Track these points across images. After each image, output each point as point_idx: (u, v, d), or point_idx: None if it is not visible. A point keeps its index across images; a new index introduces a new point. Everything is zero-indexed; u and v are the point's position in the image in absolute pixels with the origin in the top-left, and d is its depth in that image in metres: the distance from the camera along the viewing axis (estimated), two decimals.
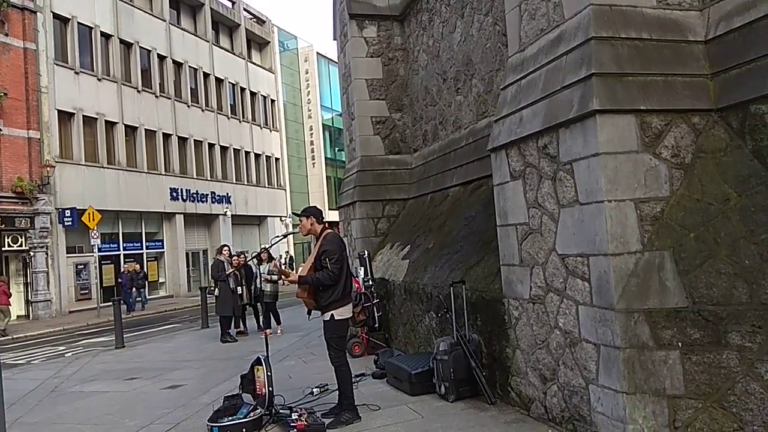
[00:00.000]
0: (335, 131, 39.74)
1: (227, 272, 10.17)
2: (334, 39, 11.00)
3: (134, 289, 19.76)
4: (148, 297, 21.40)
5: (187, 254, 25.82)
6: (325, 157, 38.59)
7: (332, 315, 4.72)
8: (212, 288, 10.70)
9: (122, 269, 20.76)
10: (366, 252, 7.60)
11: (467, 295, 5.14)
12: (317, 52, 38.71)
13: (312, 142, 38.17)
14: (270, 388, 4.84)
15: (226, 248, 10.92)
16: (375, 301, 6.94)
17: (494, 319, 4.84)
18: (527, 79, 4.37)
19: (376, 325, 6.95)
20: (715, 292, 3.34)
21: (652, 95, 3.61)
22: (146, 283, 21.60)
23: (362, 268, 7.34)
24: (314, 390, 5.61)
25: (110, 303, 12.10)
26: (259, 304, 11.03)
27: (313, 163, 38.04)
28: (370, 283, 7.17)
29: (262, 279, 10.39)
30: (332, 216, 36.67)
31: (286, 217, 33.48)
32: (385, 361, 6.03)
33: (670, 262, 3.46)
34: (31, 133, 18.78)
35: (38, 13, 19.50)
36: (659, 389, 3.38)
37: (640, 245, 3.49)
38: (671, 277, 3.44)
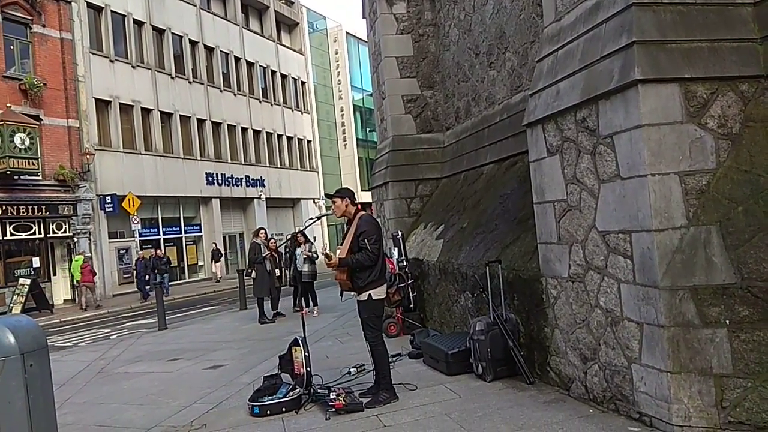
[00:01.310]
0: (366, 111, 39.60)
1: (264, 255, 10.30)
2: (363, 17, 10.87)
3: (157, 274, 18.95)
4: (188, 279, 21.84)
5: (224, 237, 26.30)
6: (357, 138, 38.54)
7: (369, 295, 4.72)
8: (249, 271, 10.86)
9: (138, 255, 19.67)
10: (399, 232, 7.57)
11: (503, 275, 5.07)
12: (346, 32, 38.45)
13: (343, 124, 38.13)
14: (308, 368, 4.90)
15: (262, 231, 11.06)
16: (410, 281, 6.92)
17: (532, 299, 4.76)
18: (564, 50, 4.22)
19: (411, 306, 6.94)
20: (765, 267, 3.20)
21: (696, 62, 3.43)
22: (169, 268, 20.65)
23: (396, 249, 7.32)
24: (351, 370, 5.65)
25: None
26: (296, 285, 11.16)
27: (345, 145, 38.05)
28: (405, 263, 7.15)
29: (300, 259, 10.49)
30: (365, 197, 36.77)
31: (319, 199, 33.68)
32: (421, 341, 6.02)
33: (717, 237, 3.31)
34: (70, 122, 19.28)
35: (73, 3, 19.86)
36: (705, 368, 3.27)
37: (685, 220, 3.35)
38: (718, 253, 3.30)
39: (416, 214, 8.79)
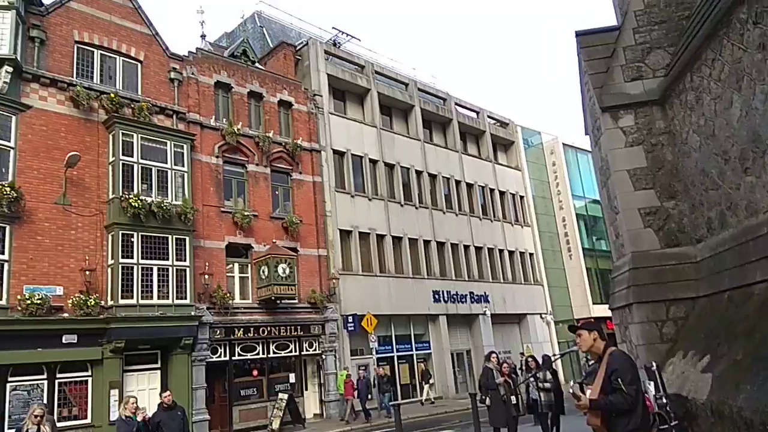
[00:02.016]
0: (590, 219, 37.91)
1: (498, 381, 10.02)
2: (586, 134, 10.75)
3: (381, 393, 19.53)
4: (415, 399, 22.01)
5: (452, 354, 26.45)
6: (583, 248, 36.73)
7: None
8: (483, 398, 10.61)
9: (358, 374, 20.21)
10: (654, 363, 6.75)
11: None
12: (563, 143, 38.35)
13: (566, 234, 36.87)
14: None
15: (494, 355, 10.85)
16: (673, 422, 6.01)
17: None
18: None
19: None
20: None
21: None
22: (391, 387, 21.02)
23: (651, 383, 6.49)
24: None
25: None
26: (532, 414, 10.53)
27: (570, 255, 36.47)
28: (665, 401, 6.28)
29: (535, 387, 9.96)
30: (597, 311, 34.14)
31: (546, 314, 32.29)
32: None
33: None
34: (320, 251, 22.08)
35: (321, 152, 23.53)
36: None
37: None
38: None
39: (670, 340, 7.79)
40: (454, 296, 27.14)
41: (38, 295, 14.62)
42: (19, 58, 15.51)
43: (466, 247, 29.01)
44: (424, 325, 26.09)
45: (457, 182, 29.86)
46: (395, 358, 24.08)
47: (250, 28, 30.27)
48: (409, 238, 25.96)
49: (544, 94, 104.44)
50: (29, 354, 14.39)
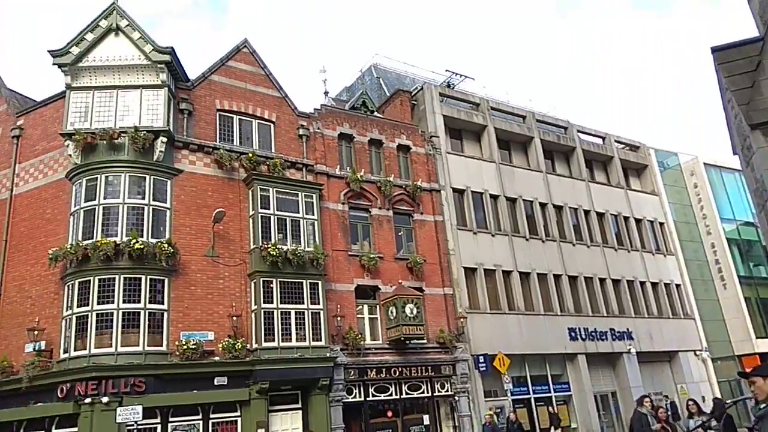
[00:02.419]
0: (744, 243, 34.11)
1: (654, 428, 9.14)
2: (734, 154, 9.83)
3: None
4: None
5: (595, 397, 24.66)
6: (738, 276, 32.97)
7: None
8: None
9: (484, 419, 19.20)
10: None
11: None
12: (704, 163, 35.25)
13: (717, 261, 33.38)
14: None
15: (647, 399, 9.94)
16: None
17: None
18: None
19: None
20: None
21: None
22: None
23: None
24: None
25: None
26: None
27: (724, 285, 32.86)
28: None
29: None
30: (762, 346, 30.21)
31: (701, 351, 29.16)
32: None
33: None
34: (445, 290, 22.01)
35: (441, 191, 23.75)
36: None
37: None
38: None
39: None
40: (593, 333, 25.48)
41: (193, 340, 16.06)
42: (171, 129, 17.67)
43: (602, 280, 27.29)
44: (561, 365, 24.69)
45: (586, 212, 28.45)
46: (532, 400, 22.95)
47: (367, 80, 31.90)
48: (538, 273, 25.02)
49: (674, 114, 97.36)
50: (187, 396, 15.75)
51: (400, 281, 20.76)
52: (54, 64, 17.45)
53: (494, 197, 25.58)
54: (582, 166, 29.54)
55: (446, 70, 29.61)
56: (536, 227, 26.20)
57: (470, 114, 26.60)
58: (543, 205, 27.00)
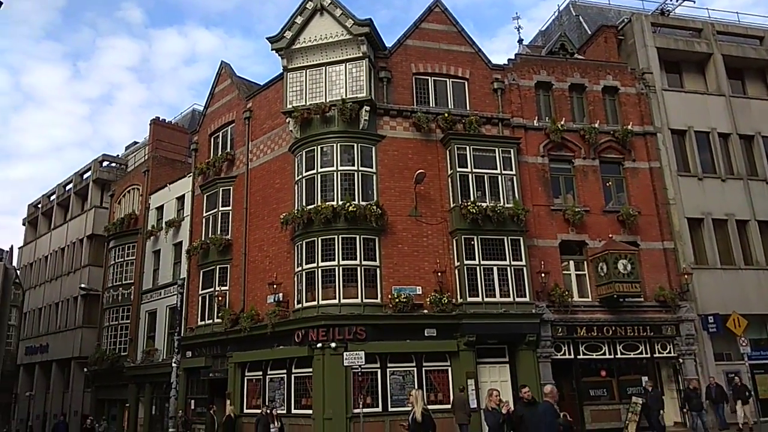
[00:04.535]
0: None
1: None
2: None
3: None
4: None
5: None
6: None
7: None
8: None
9: (709, 381, 17.98)
10: None
11: None
12: None
13: None
14: None
15: None
16: None
17: None
18: None
19: None
20: None
21: None
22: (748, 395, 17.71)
23: None
24: None
25: None
26: None
27: None
28: None
29: None
30: None
31: None
32: None
33: None
34: (665, 244, 20.01)
35: (657, 134, 21.34)
36: None
37: None
38: None
39: None
40: None
41: (403, 294, 17.19)
42: (373, 98, 18.68)
43: None
44: None
45: None
46: None
47: (565, 20, 29.69)
48: None
49: None
50: (401, 344, 17.02)
51: (610, 236, 19.42)
52: (272, 49, 19.59)
53: (724, 136, 22.24)
54: None
55: None
56: None
57: (690, 43, 23.25)
58: None
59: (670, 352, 19.00)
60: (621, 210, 19.80)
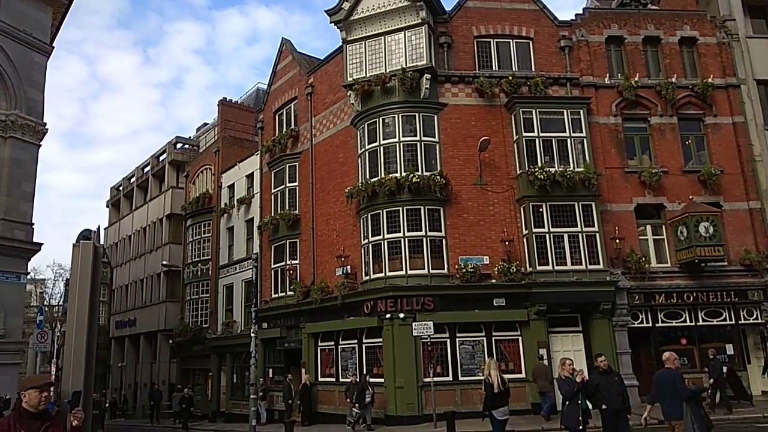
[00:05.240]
0: None
1: None
2: None
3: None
4: None
5: None
6: None
7: None
8: None
9: None
10: None
11: None
12: None
13: None
14: None
15: None
16: None
17: None
18: None
19: None
20: None
21: None
22: None
23: None
24: None
25: None
26: None
27: None
28: None
29: None
30: None
31: None
32: None
33: None
34: (750, 204, 18.74)
35: (741, 86, 19.78)
36: None
37: None
38: None
39: None
40: None
41: (470, 264, 17.04)
42: (433, 65, 18.31)
43: None
44: None
45: None
46: None
47: None
48: None
49: None
50: (469, 314, 16.95)
51: (690, 197, 18.38)
52: (331, 22, 19.52)
53: None
54: None
55: None
56: None
57: None
58: None
59: (756, 319, 17.93)
60: (702, 169, 18.64)
